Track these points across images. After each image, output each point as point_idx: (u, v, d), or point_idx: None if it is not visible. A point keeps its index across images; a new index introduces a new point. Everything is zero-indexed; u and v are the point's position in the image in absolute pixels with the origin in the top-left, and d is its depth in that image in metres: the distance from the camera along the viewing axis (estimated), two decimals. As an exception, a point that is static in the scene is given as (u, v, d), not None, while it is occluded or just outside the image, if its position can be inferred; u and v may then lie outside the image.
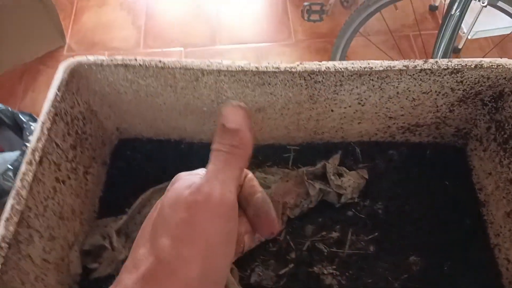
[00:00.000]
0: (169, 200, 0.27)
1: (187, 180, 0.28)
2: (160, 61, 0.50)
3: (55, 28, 1.57)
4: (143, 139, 0.62)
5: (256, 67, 0.49)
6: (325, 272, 0.50)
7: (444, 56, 1.10)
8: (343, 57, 1.24)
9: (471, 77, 0.49)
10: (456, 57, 1.56)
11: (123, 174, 0.59)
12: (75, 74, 0.51)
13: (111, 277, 0.51)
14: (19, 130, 1.14)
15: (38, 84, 1.54)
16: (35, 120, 1.15)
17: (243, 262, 0.52)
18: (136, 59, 0.50)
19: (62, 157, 0.49)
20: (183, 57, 1.55)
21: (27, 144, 0.98)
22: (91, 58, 0.51)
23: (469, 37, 1.56)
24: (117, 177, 0.59)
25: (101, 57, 0.51)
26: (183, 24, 1.66)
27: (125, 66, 0.50)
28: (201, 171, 0.30)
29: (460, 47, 1.58)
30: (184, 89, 0.52)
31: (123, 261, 0.51)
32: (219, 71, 0.49)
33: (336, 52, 1.24)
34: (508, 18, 1.10)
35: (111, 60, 0.51)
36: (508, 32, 1.52)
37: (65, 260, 0.49)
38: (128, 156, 0.61)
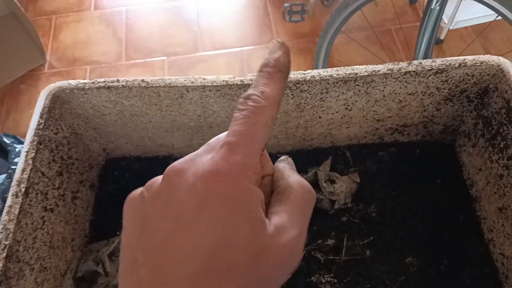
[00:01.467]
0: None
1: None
2: (143, 81, 0.49)
3: (35, 46, 1.55)
4: (130, 158, 0.61)
5: (241, 80, 0.49)
6: (323, 280, 0.50)
7: (427, 49, 1.10)
8: (326, 57, 1.24)
9: (456, 76, 0.49)
10: (439, 49, 1.58)
11: (113, 195, 0.59)
12: (57, 100, 0.50)
13: (108, 303, 0.50)
14: (4, 152, 1.12)
15: (20, 104, 1.52)
16: (20, 142, 1.13)
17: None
18: (118, 80, 0.50)
19: (48, 185, 0.48)
20: (166, 66, 1.54)
21: (12, 167, 0.96)
22: (73, 82, 0.50)
23: (450, 27, 1.58)
24: (107, 198, 0.58)
25: (82, 81, 0.50)
26: (164, 33, 1.65)
27: (108, 88, 0.50)
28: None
29: (442, 38, 1.60)
30: (169, 107, 0.51)
31: (117, 286, 0.50)
32: (203, 87, 0.49)
33: (320, 51, 1.24)
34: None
35: (93, 83, 0.50)
36: (488, 20, 1.53)
37: (59, 290, 0.48)
38: (116, 177, 0.60)
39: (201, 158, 0.22)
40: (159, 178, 0.22)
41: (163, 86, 0.48)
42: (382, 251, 0.52)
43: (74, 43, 1.66)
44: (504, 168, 0.47)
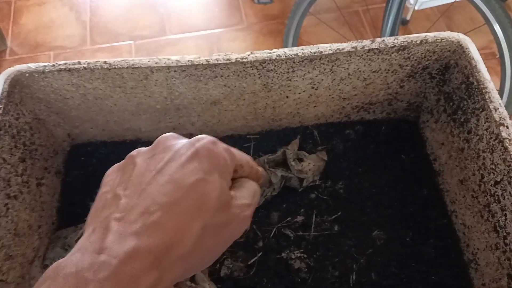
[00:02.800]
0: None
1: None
2: (105, 62, 0.48)
3: (-6, 31, 1.49)
4: (97, 143, 0.60)
5: (207, 60, 0.48)
6: (293, 256, 0.51)
7: (392, 29, 1.12)
8: (295, 38, 1.24)
9: (418, 53, 0.50)
10: (405, 29, 1.60)
11: (79, 181, 0.58)
12: (17, 84, 0.48)
13: None
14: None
15: (-19, 92, 1.46)
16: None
17: (212, 257, 0.51)
18: (80, 62, 0.48)
19: (11, 172, 0.47)
20: (133, 50, 1.51)
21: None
22: (32, 65, 0.49)
23: (416, 8, 1.60)
24: (74, 185, 0.57)
25: (42, 64, 0.49)
26: (130, 16, 1.61)
27: (69, 70, 0.48)
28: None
29: (408, 18, 1.62)
30: (134, 89, 0.51)
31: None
32: (168, 68, 0.48)
33: (288, 33, 1.24)
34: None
35: (54, 66, 0.48)
36: (453, 1, 1.56)
37: (26, 277, 0.47)
38: (82, 162, 0.59)
39: (195, 137, 0.28)
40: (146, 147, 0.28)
41: (127, 68, 0.47)
42: (349, 226, 0.53)
43: (36, 28, 1.60)
44: (465, 141, 0.49)
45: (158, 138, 0.28)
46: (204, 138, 0.27)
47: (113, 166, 0.28)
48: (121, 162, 0.27)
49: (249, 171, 0.31)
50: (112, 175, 0.27)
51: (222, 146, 0.28)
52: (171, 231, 0.22)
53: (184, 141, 0.27)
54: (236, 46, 1.55)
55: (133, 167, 0.26)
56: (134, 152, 0.27)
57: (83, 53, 1.51)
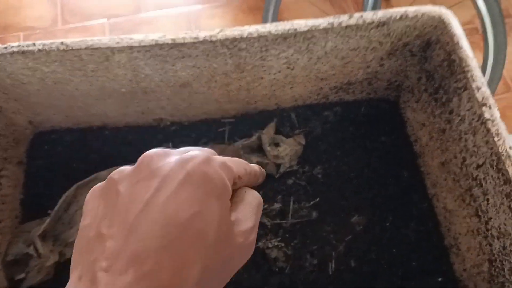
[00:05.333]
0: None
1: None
2: (62, 43, 0.44)
3: (-43, 10, 1.40)
4: (61, 130, 0.56)
5: (172, 39, 0.45)
6: (270, 245, 0.49)
7: (374, 4, 1.08)
8: (275, 15, 1.20)
9: (398, 29, 0.47)
10: (387, 3, 1.57)
11: (44, 171, 0.54)
12: (-36, 68, 0.44)
13: (43, 284, 0.47)
14: None
15: None
16: None
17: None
18: (34, 44, 0.44)
19: (-38, 165, 0.43)
20: (107, 30, 1.45)
21: None
22: (-19, 47, 0.45)
23: (398, -18, 1.56)
24: (38, 175, 0.54)
25: (-8, 45, 0.45)
26: (104, -6, 1.54)
27: (23, 53, 0.44)
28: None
29: (390, -8, 1.58)
30: (95, 72, 0.47)
31: (52, 266, 0.47)
32: (131, 48, 0.44)
33: (268, 10, 1.19)
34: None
35: (6, 48, 0.45)
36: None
37: (-16, 277, 0.44)
38: (46, 151, 0.55)
39: (187, 151, 0.24)
40: (128, 166, 0.24)
41: (85, 48, 0.43)
42: (328, 212, 0.51)
43: (4, 8, 1.52)
44: (446, 122, 0.47)
45: (142, 158, 0.23)
46: (195, 158, 0.23)
47: (93, 189, 0.24)
48: (102, 185, 0.23)
49: (248, 179, 0.27)
50: (93, 202, 0.23)
51: (217, 163, 0.24)
52: (167, 277, 0.19)
53: (172, 160, 0.23)
54: (215, 23, 1.50)
55: (116, 195, 0.22)
56: (115, 175, 0.23)
57: (55, 34, 1.44)
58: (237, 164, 0.26)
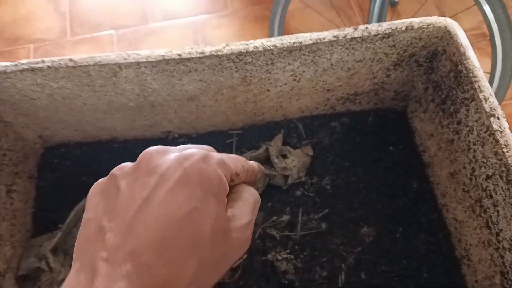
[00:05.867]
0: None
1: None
2: (70, 60, 0.45)
3: (-31, 24, 1.43)
4: (71, 144, 0.57)
5: (179, 55, 0.45)
6: (279, 258, 0.49)
7: (380, 12, 1.08)
8: (281, 24, 1.21)
9: (403, 40, 0.47)
10: (394, 11, 1.57)
11: (54, 185, 0.55)
12: (-25, 86, 0.45)
13: (54, 300, 0.47)
14: None
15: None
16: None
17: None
18: (43, 61, 0.45)
19: (-27, 182, 0.44)
20: (115, 40, 1.46)
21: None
22: (-8, 65, 0.45)
23: (404, -12, 1.56)
24: (48, 189, 0.55)
25: (3, 64, 0.45)
26: (111, 5, 1.56)
27: (32, 70, 0.45)
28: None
29: (397, 0, 1.58)
30: (103, 87, 0.47)
31: (63, 280, 0.47)
32: (138, 63, 0.45)
33: (274, 19, 1.20)
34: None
35: (16, 66, 0.45)
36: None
37: (-4, 293, 0.45)
38: (56, 165, 0.56)
39: (183, 147, 0.25)
40: (129, 162, 0.25)
41: (93, 65, 0.44)
42: (337, 224, 0.51)
43: (14, 20, 1.55)
44: (455, 132, 0.47)
45: (142, 155, 0.24)
46: (193, 155, 0.23)
47: (96, 184, 0.25)
48: (104, 180, 0.25)
49: (245, 176, 0.28)
50: (95, 198, 0.24)
51: (215, 160, 0.24)
52: (164, 271, 0.20)
53: (170, 157, 0.23)
54: (221, 33, 1.51)
55: (116, 191, 0.23)
56: (116, 171, 0.24)
57: (64, 45, 1.46)
58: (235, 161, 0.27)
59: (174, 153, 0.24)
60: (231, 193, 0.27)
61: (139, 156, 0.24)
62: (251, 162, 0.29)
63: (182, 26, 1.51)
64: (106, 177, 0.25)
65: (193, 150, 0.24)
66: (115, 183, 0.23)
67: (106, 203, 0.23)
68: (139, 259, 0.20)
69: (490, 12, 0.92)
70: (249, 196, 0.27)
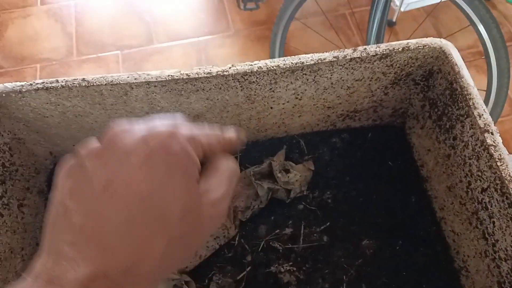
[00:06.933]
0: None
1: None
2: (83, 80, 0.47)
3: (-22, 45, 1.47)
4: (80, 160, 0.59)
5: (187, 75, 0.47)
6: (282, 270, 0.50)
7: (378, 32, 1.12)
8: (282, 44, 1.24)
9: (400, 60, 0.49)
10: (391, 31, 1.61)
11: (64, 200, 0.56)
12: (-8, 104, 0.47)
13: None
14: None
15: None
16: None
17: (200, 273, 0.51)
18: (58, 81, 0.47)
19: (-11, 196, 0.45)
20: (120, 60, 1.50)
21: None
22: (9, 85, 0.48)
23: (402, 9, 1.60)
24: (57, 204, 0.56)
25: (19, 83, 0.48)
26: (116, 26, 1.60)
27: (47, 89, 0.47)
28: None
29: (394, 20, 1.62)
30: (114, 105, 0.50)
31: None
32: (148, 83, 0.47)
33: (275, 39, 1.23)
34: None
35: (31, 85, 0.47)
36: (438, 1, 1.57)
37: (8, 304, 0.46)
38: (66, 181, 0.57)
39: (151, 123, 0.24)
40: (93, 138, 0.24)
41: (105, 84, 0.46)
42: (338, 237, 0.53)
43: (21, 41, 1.58)
44: (451, 148, 0.49)
45: (108, 134, 0.24)
46: (159, 133, 0.23)
47: (62, 164, 0.24)
48: (70, 160, 0.24)
49: (220, 148, 0.27)
50: (62, 178, 0.23)
51: (183, 136, 0.23)
52: (129, 252, 0.20)
53: (136, 137, 0.23)
54: (224, 52, 1.55)
55: (83, 172, 0.22)
56: (83, 151, 0.23)
57: (70, 65, 1.49)
58: (207, 135, 0.26)
59: (140, 130, 0.23)
60: (207, 164, 0.26)
61: (106, 136, 0.24)
62: (229, 132, 0.28)
63: (186, 46, 1.55)
64: (72, 156, 0.24)
65: (159, 126, 0.23)
66: (81, 162, 0.23)
67: (72, 184, 0.22)
68: (103, 241, 0.20)
69: (484, 32, 0.95)
70: (226, 167, 0.26)
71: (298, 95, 0.52)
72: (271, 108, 0.54)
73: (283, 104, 0.53)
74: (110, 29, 1.59)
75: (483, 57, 1.02)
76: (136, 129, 0.23)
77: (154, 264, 0.21)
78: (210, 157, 0.26)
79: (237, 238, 0.53)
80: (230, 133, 0.28)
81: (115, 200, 0.21)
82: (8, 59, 1.54)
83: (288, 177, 0.54)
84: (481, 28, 0.96)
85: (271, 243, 0.52)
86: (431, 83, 0.52)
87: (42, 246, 0.22)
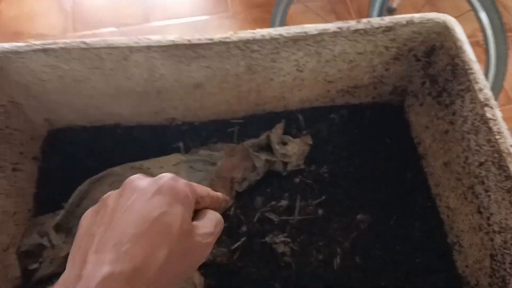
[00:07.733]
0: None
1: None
2: (83, 42, 0.46)
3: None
4: (76, 128, 0.58)
5: (189, 40, 0.47)
6: (277, 241, 0.50)
7: (378, 17, 1.11)
8: (281, 25, 1.23)
9: (404, 34, 0.49)
10: (391, 18, 1.60)
11: (57, 167, 0.56)
12: (-11, 64, 0.46)
13: (55, 276, 0.48)
14: None
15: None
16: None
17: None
18: (56, 42, 0.47)
19: (-16, 156, 0.45)
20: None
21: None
22: (6, 45, 0.47)
23: (402, -3, 1.59)
24: (51, 171, 0.56)
25: (17, 44, 0.47)
26: (113, 3, 1.57)
27: (45, 50, 0.46)
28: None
29: (394, 6, 1.62)
30: (113, 70, 0.49)
31: (65, 257, 0.48)
32: (148, 47, 0.46)
33: (274, 21, 1.22)
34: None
35: (29, 46, 0.47)
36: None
37: (0, 264, 0.46)
38: (60, 148, 0.57)
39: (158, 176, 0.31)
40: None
41: (105, 47, 0.46)
42: (334, 210, 0.53)
43: (17, 16, 1.55)
44: (449, 123, 0.49)
45: (125, 181, 0.30)
46: (165, 176, 0.30)
47: (89, 209, 0.30)
48: (96, 205, 0.30)
49: (210, 201, 0.34)
50: (87, 218, 0.29)
51: (182, 181, 0.31)
52: (140, 257, 0.25)
53: (148, 179, 0.30)
54: (221, 33, 1.53)
55: (105, 208, 0.28)
56: (105, 196, 0.30)
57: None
58: (200, 187, 0.33)
59: (151, 177, 0.30)
60: (197, 214, 0.32)
61: (124, 182, 0.30)
62: (217, 192, 0.35)
63: (183, 26, 1.53)
64: (97, 203, 0.30)
65: (165, 174, 0.31)
66: (104, 203, 0.29)
67: (96, 217, 0.28)
68: (120, 248, 0.25)
69: (486, 18, 0.95)
70: (212, 216, 0.32)
71: (299, 67, 0.51)
72: (272, 80, 0.53)
73: (284, 76, 0.53)
74: (107, 7, 1.56)
75: (481, 46, 1.02)
76: (147, 176, 0.31)
77: (157, 270, 0.26)
78: (200, 207, 0.33)
79: (232, 209, 0.53)
80: (218, 193, 0.35)
81: (130, 220, 0.27)
82: (3, 34, 1.51)
83: (286, 149, 0.54)
84: (482, 14, 0.96)
85: (266, 214, 0.52)
86: (432, 60, 0.52)
87: (68, 263, 0.27)
